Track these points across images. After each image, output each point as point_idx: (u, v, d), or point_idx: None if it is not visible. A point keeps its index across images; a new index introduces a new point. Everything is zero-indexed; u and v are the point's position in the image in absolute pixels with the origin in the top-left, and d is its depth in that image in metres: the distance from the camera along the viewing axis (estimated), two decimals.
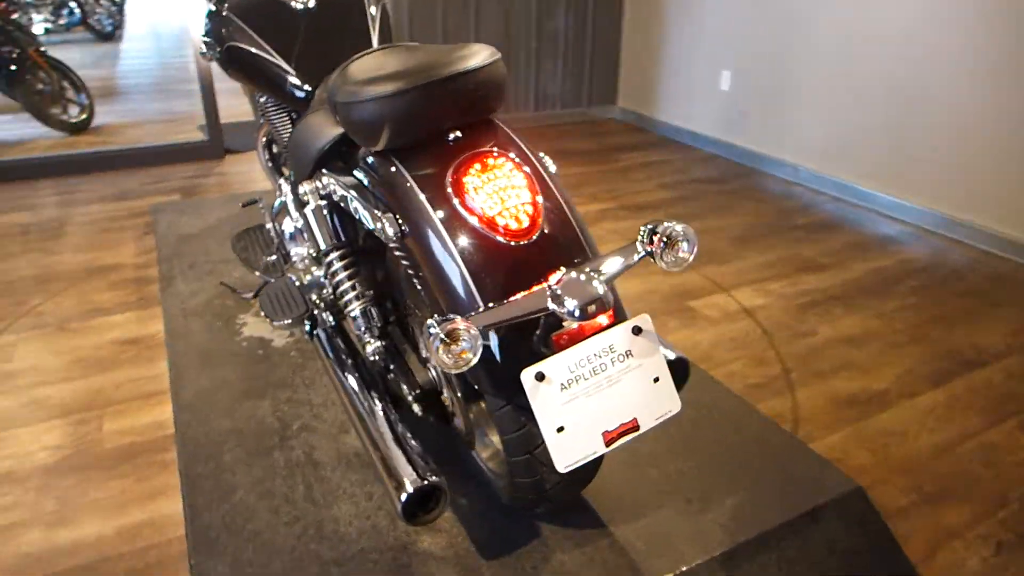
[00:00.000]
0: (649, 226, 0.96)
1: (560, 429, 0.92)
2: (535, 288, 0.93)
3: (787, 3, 3.48)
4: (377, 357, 1.27)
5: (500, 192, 0.99)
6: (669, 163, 3.98)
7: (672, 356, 1.21)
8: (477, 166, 1.01)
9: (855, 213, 3.25)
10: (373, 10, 1.81)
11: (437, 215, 0.99)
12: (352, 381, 1.28)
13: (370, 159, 1.15)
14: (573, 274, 0.91)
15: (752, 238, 2.97)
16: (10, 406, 1.89)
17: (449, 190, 0.99)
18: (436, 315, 0.85)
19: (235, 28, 1.70)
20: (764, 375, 2.02)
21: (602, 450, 0.95)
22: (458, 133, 1.06)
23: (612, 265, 0.96)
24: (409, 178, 1.03)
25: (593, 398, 0.93)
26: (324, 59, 1.59)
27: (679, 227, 0.94)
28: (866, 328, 2.27)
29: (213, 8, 1.80)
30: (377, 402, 1.21)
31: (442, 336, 0.83)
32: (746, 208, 3.30)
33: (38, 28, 6.96)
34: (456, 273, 0.98)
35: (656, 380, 0.97)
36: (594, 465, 1.19)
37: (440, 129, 1.05)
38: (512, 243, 0.97)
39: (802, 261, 2.76)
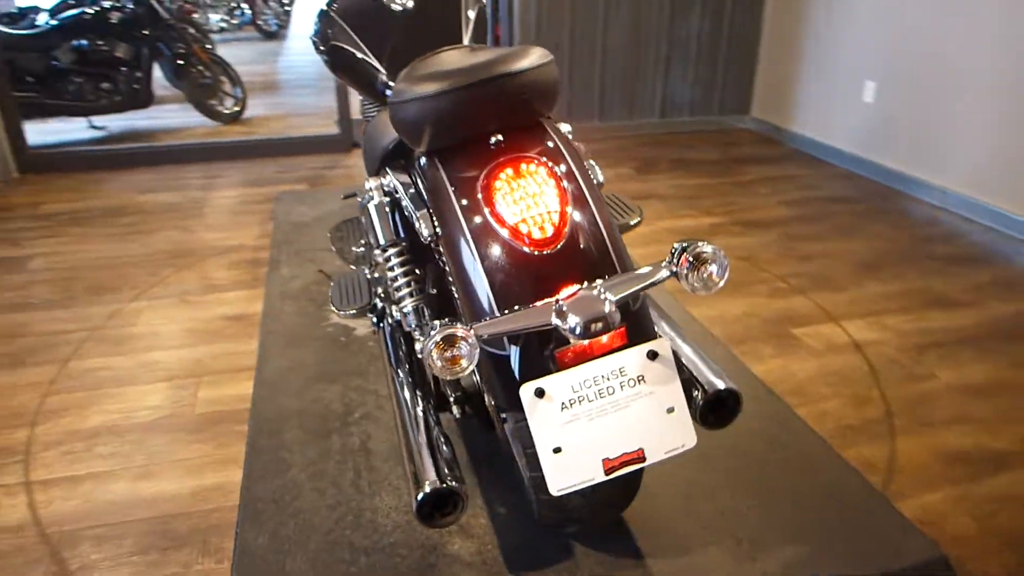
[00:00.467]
0: (680, 245, 0.89)
1: (557, 450, 0.87)
2: (544, 301, 0.89)
3: (946, 7, 3.14)
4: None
5: (529, 199, 0.96)
6: (798, 179, 3.72)
7: (722, 386, 1.12)
8: (510, 171, 0.98)
9: (1009, 246, 2.87)
10: (471, 12, 1.83)
11: (465, 219, 0.98)
12: (401, 376, 1.30)
13: (421, 159, 1.15)
14: (584, 290, 0.86)
15: (877, 265, 2.70)
16: (127, 366, 2.09)
17: (479, 195, 0.97)
18: (440, 319, 0.84)
19: (338, 28, 1.77)
20: (861, 417, 1.83)
21: (600, 478, 0.89)
22: (499, 137, 1.04)
23: (630, 283, 0.90)
24: (445, 179, 1.02)
25: (596, 422, 0.88)
26: (411, 60, 1.63)
27: (708, 248, 0.87)
28: (997, 378, 2.00)
29: (324, 8, 1.90)
30: (419, 400, 1.22)
31: (436, 340, 0.81)
32: (877, 232, 3.02)
33: (214, 26, 7.70)
34: (477, 278, 0.96)
35: (670, 411, 0.90)
36: (625, 492, 1.13)
37: (483, 132, 1.04)
38: (535, 252, 0.94)
39: (932, 295, 2.48)
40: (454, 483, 0.99)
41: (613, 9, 4.14)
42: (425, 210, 1.07)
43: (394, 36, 1.70)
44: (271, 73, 7.04)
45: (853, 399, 1.91)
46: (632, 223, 1.69)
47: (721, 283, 0.88)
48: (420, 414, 1.17)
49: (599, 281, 0.90)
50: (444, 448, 1.08)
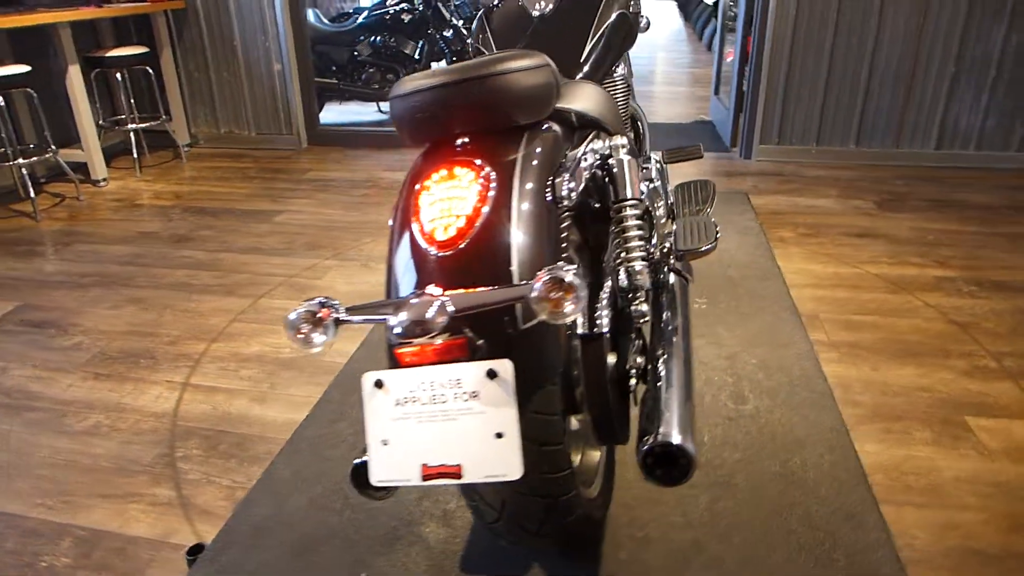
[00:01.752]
0: (546, 269, 0.81)
1: (385, 442, 0.86)
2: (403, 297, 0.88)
3: None
4: None
5: (448, 201, 0.95)
6: None
7: (675, 441, 0.99)
8: (444, 172, 0.98)
9: None
10: (614, 17, 1.79)
11: (399, 209, 1.01)
12: None
13: None
14: (428, 294, 0.84)
15: None
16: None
17: (414, 190, 0.99)
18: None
19: (480, 30, 1.87)
20: (1004, 546, 1.43)
21: (417, 482, 0.86)
22: (466, 139, 1.04)
23: (481, 298, 0.85)
24: (409, 170, 1.05)
25: (424, 426, 0.84)
26: None
27: (569, 276, 0.77)
28: None
29: (481, 13, 2.01)
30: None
31: (290, 318, 0.86)
32: None
33: None
34: (386, 268, 0.99)
35: (499, 436, 0.82)
36: (546, 517, 1.06)
37: (457, 133, 1.04)
38: (432, 252, 0.93)
39: None
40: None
41: (888, 19, 3.63)
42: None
43: (521, 40, 1.75)
44: None
45: (1006, 519, 1.49)
46: (702, 249, 1.52)
47: (569, 315, 0.79)
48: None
49: (462, 290, 0.86)
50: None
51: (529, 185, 0.98)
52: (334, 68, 4.91)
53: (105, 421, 1.91)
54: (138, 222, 3.40)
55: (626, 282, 1.26)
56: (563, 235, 1.09)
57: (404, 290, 0.95)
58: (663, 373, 1.17)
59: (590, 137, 1.23)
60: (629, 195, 1.27)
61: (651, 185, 1.92)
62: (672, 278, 1.54)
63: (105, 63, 3.86)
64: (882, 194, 3.51)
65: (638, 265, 1.26)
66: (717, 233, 1.57)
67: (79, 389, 2.06)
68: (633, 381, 1.23)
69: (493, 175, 0.97)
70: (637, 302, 1.26)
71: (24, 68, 3.32)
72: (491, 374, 0.83)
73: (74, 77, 3.65)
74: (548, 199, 1.00)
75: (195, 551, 1.39)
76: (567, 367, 1.15)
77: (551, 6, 1.78)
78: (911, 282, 2.59)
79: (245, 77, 4.43)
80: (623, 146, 1.28)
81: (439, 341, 0.86)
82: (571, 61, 1.66)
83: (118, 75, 3.98)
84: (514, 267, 0.91)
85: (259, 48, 4.32)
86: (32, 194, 3.48)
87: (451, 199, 0.95)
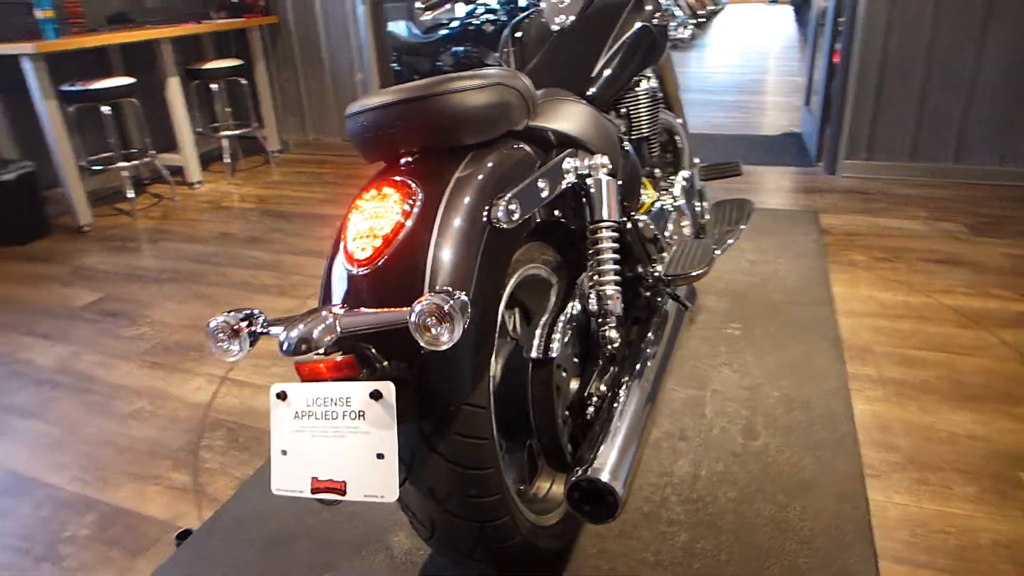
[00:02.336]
0: (428, 294, 0.80)
1: (284, 452, 0.88)
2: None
3: None
4: None
5: (371, 220, 0.95)
6: None
7: (603, 479, 0.96)
8: (374, 192, 0.99)
9: None
10: (635, 30, 1.75)
11: (337, 230, 1.02)
12: None
13: None
14: (321, 310, 0.84)
15: None
16: None
17: (349, 209, 1.01)
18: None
19: (505, 44, 1.87)
20: None
21: (307, 493, 0.86)
22: (410, 158, 1.04)
23: (368, 319, 0.84)
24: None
25: (317, 440, 0.85)
26: (536, 77, 1.64)
27: (447, 305, 0.75)
28: None
29: (509, 25, 2.02)
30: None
31: (210, 326, 0.89)
32: None
33: None
34: (321, 283, 1.01)
35: (380, 456, 0.81)
36: (483, 544, 1.05)
37: (403, 152, 1.05)
38: (351, 270, 0.94)
39: None
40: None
41: (994, 24, 3.31)
42: None
43: (538, 55, 1.74)
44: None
45: None
46: (692, 274, 1.44)
47: (443, 348, 0.77)
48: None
49: (363, 309, 0.86)
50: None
51: (461, 205, 0.97)
52: (416, 77, 5.05)
53: (148, 407, 2.06)
54: (221, 223, 3.64)
55: (596, 307, 1.22)
56: (510, 256, 1.07)
57: (326, 301, 0.97)
58: (618, 405, 1.13)
59: (560, 156, 1.20)
60: (605, 216, 1.23)
61: (674, 203, 1.85)
62: (669, 304, 1.47)
63: (203, 75, 4.16)
64: (977, 217, 3.20)
65: (610, 290, 1.22)
66: (713, 257, 1.49)
67: (133, 376, 2.23)
68: (592, 409, 1.19)
69: (421, 195, 0.97)
70: (607, 327, 1.22)
71: (129, 80, 3.64)
72: (375, 395, 0.83)
73: (173, 88, 3.96)
74: (483, 220, 0.98)
75: (183, 536, 1.47)
76: (516, 391, 1.13)
77: (570, 19, 1.75)
78: (989, 316, 2.35)
79: (331, 86, 4.64)
80: (602, 166, 1.24)
81: (339, 358, 0.87)
82: (584, 76, 1.64)
83: (214, 85, 4.28)
84: (426, 288, 0.91)
85: (344, 59, 4.52)
86: (133, 195, 3.80)
87: (376, 217, 0.96)
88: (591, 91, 1.62)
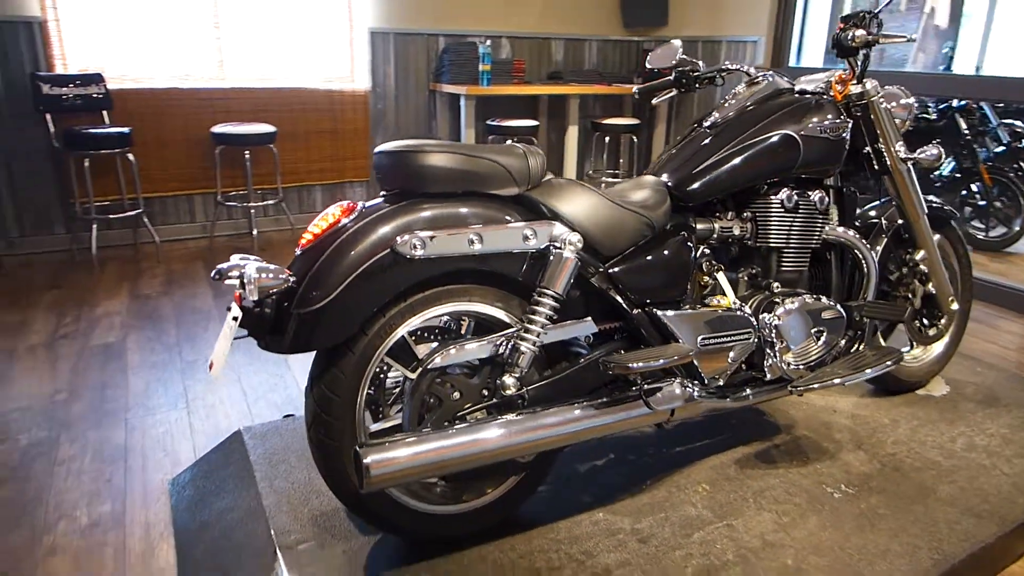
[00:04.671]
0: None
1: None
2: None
3: None
4: None
5: (322, 220, 1.34)
6: None
7: (367, 460, 1.23)
8: (334, 211, 1.34)
9: None
10: (775, 138, 1.74)
11: None
12: None
13: None
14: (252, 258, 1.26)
15: None
16: None
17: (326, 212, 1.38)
18: None
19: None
20: None
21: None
22: (384, 193, 1.40)
23: (255, 270, 1.21)
24: None
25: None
26: (660, 163, 1.82)
27: (247, 265, 1.21)
28: None
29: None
30: None
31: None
32: None
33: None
34: None
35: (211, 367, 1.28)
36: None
37: (388, 187, 1.39)
38: (296, 250, 1.35)
39: None
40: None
41: None
42: None
43: (679, 144, 1.84)
44: None
45: None
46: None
47: (250, 299, 1.15)
48: None
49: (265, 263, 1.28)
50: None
51: (375, 229, 1.29)
52: None
53: None
54: None
55: (508, 354, 1.42)
56: (408, 281, 1.32)
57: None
58: (465, 425, 1.37)
59: (526, 223, 1.41)
60: (550, 287, 1.41)
61: (787, 310, 1.74)
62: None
63: (602, 128, 4.75)
64: None
65: (523, 347, 1.40)
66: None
67: None
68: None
69: (357, 215, 1.33)
70: (508, 373, 1.41)
71: (533, 122, 4.44)
72: (235, 318, 1.24)
73: (571, 134, 4.66)
74: (386, 246, 1.28)
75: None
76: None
77: (722, 116, 1.81)
78: None
79: None
80: (571, 243, 1.42)
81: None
82: (686, 171, 1.73)
83: (606, 138, 4.82)
84: (311, 272, 1.28)
85: None
86: None
87: (323, 219, 1.35)
88: (681, 185, 1.70)
